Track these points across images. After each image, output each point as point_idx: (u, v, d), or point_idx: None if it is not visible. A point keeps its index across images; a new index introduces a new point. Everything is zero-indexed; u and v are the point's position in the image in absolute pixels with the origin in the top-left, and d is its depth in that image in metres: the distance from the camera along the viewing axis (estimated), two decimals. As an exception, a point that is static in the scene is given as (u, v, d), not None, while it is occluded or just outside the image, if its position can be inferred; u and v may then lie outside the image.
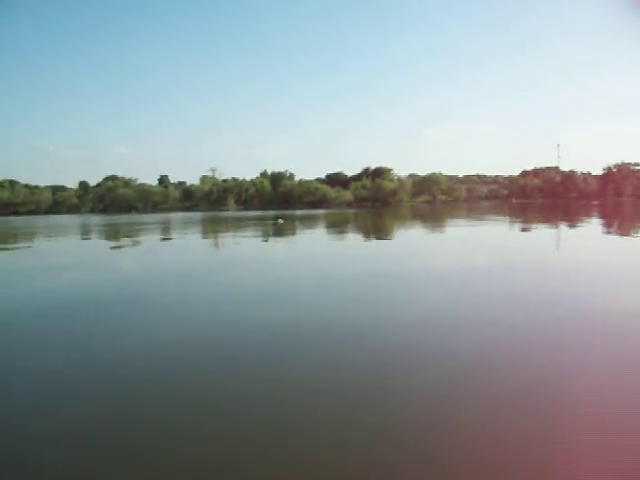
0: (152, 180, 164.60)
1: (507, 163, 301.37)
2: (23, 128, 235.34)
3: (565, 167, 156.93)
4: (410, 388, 6.89)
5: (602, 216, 58.58)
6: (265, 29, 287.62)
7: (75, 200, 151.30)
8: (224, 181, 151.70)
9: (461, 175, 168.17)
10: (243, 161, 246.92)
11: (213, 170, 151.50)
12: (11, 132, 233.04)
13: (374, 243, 30.71)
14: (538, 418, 5.88)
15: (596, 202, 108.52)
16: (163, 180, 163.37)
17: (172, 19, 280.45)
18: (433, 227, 45.75)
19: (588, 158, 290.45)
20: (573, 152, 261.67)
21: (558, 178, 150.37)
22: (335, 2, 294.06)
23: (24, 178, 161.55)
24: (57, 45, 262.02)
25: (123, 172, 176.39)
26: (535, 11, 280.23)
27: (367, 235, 37.75)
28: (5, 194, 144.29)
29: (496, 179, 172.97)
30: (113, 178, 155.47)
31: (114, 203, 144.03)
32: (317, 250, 26.51)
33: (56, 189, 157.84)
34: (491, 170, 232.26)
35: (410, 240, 33.23)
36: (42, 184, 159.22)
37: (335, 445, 5.41)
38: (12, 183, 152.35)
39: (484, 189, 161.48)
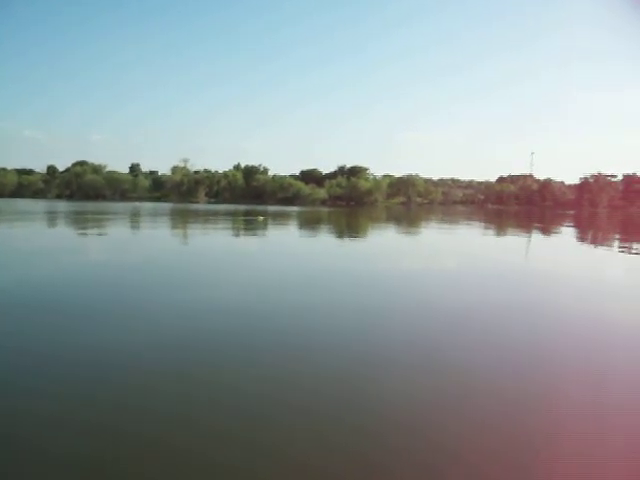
0: (125, 169, 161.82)
1: (480, 169, 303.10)
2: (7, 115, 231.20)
3: (538, 175, 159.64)
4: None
5: (577, 226, 58.66)
6: (250, 26, 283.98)
7: (41, 185, 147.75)
8: (196, 172, 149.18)
9: (435, 178, 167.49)
10: (218, 154, 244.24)
11: (185, 160, 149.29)
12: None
13: (358, 246, 31.55)
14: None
15: (571, 212, 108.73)
16: (134, 168, 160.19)
17: (162, 15, 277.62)
18: (414, 231, 46.72)
19: (560, 167, 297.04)
20: (545, 161, 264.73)
21: (535, 186, 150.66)
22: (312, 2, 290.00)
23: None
24: (51, 36, 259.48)
25: (99, 159, 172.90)
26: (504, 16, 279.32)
27: (351, 237, 38.53)
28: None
29: (470, 184, 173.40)
30: (82, 164, 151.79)
31: (81, 189, 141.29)
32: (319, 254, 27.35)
33: (23, 172, 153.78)
34: (465, 175, 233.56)
35: (395, 245, 33.93)
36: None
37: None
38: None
39: (459, 193, 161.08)
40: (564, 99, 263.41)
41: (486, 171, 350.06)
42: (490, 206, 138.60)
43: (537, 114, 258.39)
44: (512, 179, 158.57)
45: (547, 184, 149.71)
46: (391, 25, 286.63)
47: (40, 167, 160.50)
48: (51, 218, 51.97)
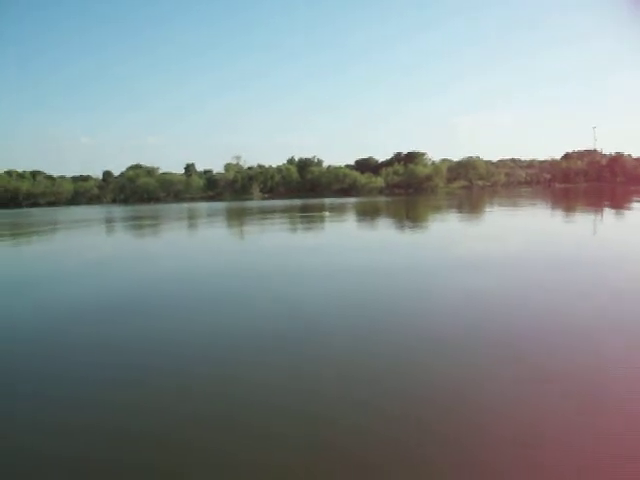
0: (180, 169, 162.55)
1: (540, 147, 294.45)
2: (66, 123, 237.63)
3: (603, 151, 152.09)
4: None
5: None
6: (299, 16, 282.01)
7: (96, 191, 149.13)
8: (249, 168, 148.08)
9: (495, 160, 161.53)
10: (271, 149, 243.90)
11: (237, 157, 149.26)
12: (46, 125, 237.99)
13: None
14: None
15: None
16: (189, 169, 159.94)
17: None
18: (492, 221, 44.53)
19: (626, 141, 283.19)
20: (609, 135, 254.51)
21: (604, 161, 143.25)
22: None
23: (57, 170, 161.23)
24: (80, 34, 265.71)
25: (154, 162, 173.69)
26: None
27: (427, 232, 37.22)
28: (25, 185, 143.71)
29: (532, 163, 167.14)
30: (136, 167, 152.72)
31: (135, 193, 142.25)
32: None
33: (80, 180, 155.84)
34: (525, 154, 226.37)
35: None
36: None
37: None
38: (35, 174, 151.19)
39: (522, 173, 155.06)
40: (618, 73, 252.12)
41: (546, 149, 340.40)
42: (557, 185, 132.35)
43: (593, 89, 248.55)
44: (579, 155, 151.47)
45: (617, 158, 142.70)
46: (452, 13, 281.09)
47: (97, 173, 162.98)
48: (96, 225, 51.26)
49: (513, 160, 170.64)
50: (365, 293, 14.13)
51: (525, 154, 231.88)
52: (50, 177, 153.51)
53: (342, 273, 17.47)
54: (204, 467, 5.66)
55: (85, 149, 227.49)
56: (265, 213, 58.17)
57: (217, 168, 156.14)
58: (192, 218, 58.74)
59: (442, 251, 22.66)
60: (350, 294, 14.07)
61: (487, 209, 55.25)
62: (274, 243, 29.28)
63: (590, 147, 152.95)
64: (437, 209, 56.74)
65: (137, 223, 52.93)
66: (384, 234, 32.25)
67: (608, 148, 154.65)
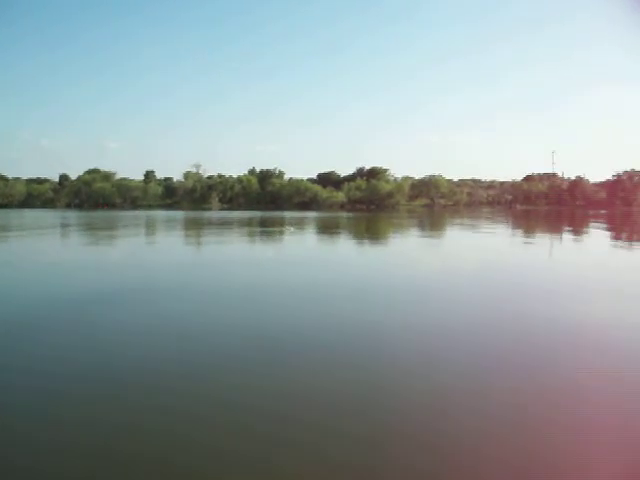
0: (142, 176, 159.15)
1: (500, 169, 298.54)
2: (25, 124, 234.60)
3: (561, 174, 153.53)
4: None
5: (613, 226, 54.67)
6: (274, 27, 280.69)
7: (50, 194, 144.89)
8: (209, 177, 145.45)
9: (456, 179, 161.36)
10: (232, 158, 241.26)
11: (197, 166, 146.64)
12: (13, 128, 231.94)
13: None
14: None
15: (603, 211, 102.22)
16: (148, 176, 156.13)
17: (174, 20, 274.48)
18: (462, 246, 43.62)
19: (583, 166, 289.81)
20: (566, 159, 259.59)
21: (565, 185, 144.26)
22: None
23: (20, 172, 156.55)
24: (65, 41, 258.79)
25: (116, 168, 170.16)
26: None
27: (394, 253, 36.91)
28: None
29: (492, 184, 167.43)
30: (94, 172, 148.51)
31: (90, 198, 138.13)
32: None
33: (37, 182, 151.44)
34: (485, 175, 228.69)
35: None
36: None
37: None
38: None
39: (484, 193, 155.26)
40: (586, 93, 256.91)
41: (505, 171, 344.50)
42: (518, 207, 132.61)
43: (555, 111, 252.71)
44: (540, 177, 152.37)
45: (578, 182, 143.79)
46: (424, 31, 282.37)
47: (56, 176, 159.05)
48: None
49: (474, 180, 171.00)
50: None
51: (485, 175, 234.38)
52: (3, 178, 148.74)
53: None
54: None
55: (45, 152, 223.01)
56: (223, 226, 55.89)
57: (178, 176, 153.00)
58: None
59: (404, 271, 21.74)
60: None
61: (448, 228, 54.48)
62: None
63: (549, 170, 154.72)
64: (401, 227, 55.83)
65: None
66: (354, 254, 30.99)
67: (567, 172, 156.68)
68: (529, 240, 41.17)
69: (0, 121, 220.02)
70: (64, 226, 56.71)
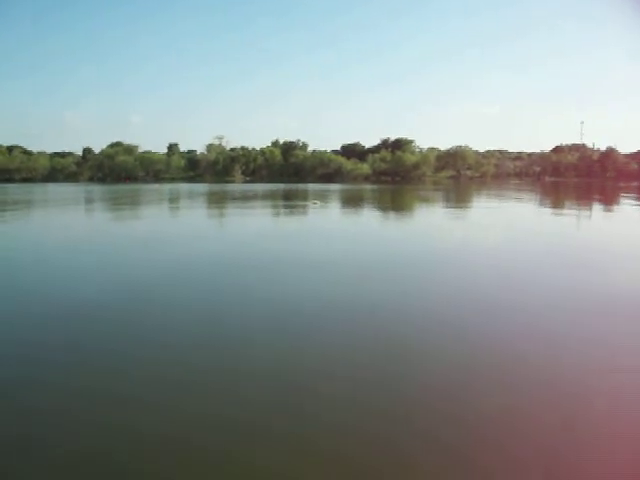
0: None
1: (527, 140, 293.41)
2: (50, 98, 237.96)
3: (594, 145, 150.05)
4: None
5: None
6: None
7: (74, 167, 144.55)
8: (232, 150, 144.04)
9: (482, 150, 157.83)
10: (253, 131, 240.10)
11: (220, 138, 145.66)
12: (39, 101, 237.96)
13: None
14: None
15: (635, 184, 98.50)
16: (172, 148, 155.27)
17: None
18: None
19: (612, 137, 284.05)
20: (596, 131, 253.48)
21: (595, 156, 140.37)
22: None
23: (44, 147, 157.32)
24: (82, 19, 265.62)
25: (141, 141, 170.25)
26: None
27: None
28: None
29: (519, 155, 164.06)
30: (117, 145, 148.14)
31: (113, 171, 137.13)
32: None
33: (58, 156, 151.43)
34: (511, 146, 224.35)
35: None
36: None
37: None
38: (11, 149, 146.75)
39: (511, 165, 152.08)
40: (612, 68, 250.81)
41: (533, 143, 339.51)
42: (547, 179, 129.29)
43: (583, 84, 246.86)
44: (569, 149, 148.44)
45: (609, 153, 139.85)
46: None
47: (80, 150, 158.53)
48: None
49: (500, 152, 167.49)
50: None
51: (513, 146, 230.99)
52: (27, 152, 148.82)
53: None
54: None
55: (69, 126, 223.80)
56: (246, 201, 54.43)
57: (202, 149, 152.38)
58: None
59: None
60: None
61: (477, 200, 52.78)
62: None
63: (577, 142, 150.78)
64: (430, 200, 54.21)
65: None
66: (384, 229, 29.71)
67: (597, 143, 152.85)
68: (559, 213, 39.32)
69: (24, 96, 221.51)
70: (89, 201, 56.36)
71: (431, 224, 31.09)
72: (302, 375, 7.93)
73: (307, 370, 8.12)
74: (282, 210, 41.88)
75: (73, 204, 49.99)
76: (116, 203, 51.48)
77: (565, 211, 40.99)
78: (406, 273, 15.43)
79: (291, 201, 52.90)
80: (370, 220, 33.73)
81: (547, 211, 41.07)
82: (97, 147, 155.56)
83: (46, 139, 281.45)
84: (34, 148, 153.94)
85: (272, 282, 14.16)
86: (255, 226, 29.92)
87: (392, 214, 38.78)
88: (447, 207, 44.67)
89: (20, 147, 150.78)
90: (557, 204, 49.03)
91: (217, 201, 54.57)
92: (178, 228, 29.95)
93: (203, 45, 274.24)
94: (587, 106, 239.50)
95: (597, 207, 46.44)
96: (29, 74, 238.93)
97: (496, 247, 21.23)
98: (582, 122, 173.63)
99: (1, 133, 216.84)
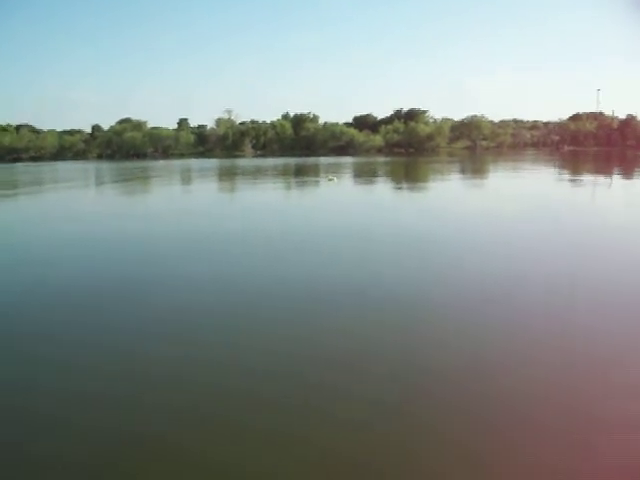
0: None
1: (542, 109, 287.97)
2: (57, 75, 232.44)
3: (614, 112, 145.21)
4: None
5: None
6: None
7: (82, 145, 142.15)
8: (241, 124, 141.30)
9: (496, 120, 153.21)
10: (262, 102, 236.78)
11: (229, 112, 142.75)
12: (42, 80, 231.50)
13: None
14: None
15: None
16: (182, 124, 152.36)
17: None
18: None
19: (629, 105, 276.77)
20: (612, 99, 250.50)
21: (615, 124, 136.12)
22: None
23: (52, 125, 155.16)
24: None
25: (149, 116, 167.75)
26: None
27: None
28: (7, 139, 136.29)
29: (535, 124, 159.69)
30: (126, 121, 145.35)
31: (122, 148, 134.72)
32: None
33: (66, 134, 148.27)
34: (526, 115, 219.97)
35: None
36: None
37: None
38: (19, 127, 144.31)
39: (527, 135, 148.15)
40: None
41: (549, 111, 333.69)
42: (566, 148, 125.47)
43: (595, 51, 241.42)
44: (588, 117, 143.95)
45: (629, 121, 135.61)
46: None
47: (89, 128, 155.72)
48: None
49: (515, 121, 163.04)
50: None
51: (527, 115, 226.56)
52: (35, 131, 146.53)
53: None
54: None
55: (77, 103, 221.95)
56: (256, 177, 52.00)
57: (212, 124, 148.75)
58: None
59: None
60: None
61: (499, 173, 50.64)
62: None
63: (594, 110, 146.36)
64: (452, 172, 51.64)
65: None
66: (405, 205, 29.00)
67: (616, 111, 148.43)
68: (585, 186, 37.17)
69: (30, 73, 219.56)
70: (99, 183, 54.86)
71: (457, 202, 29.85)
72: (322, 342, 8.60)
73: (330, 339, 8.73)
74: (297, 189, 39.32)
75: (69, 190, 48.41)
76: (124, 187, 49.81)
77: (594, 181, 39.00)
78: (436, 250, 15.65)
79: (305, 177, 50.70)
80: (394, 200, 32.15)
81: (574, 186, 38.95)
82: (107, 125, 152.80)
83: (56, 117, 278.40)
84: (43, 127, 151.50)
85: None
86: (271, 211, 28.39)
87: (413, 192, 36.75)
88: (467, 181, 42.64)
89: (29, 126, 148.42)
90: (586, 177, 46.95)
91: (229, 180, 52.41)
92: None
93: (213, 17, 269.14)
94: (602, 72, 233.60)
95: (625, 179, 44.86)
96: (32, 51, 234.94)
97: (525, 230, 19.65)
98: (599, 90, 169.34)
99: (8, 112, 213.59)
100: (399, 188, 37.47)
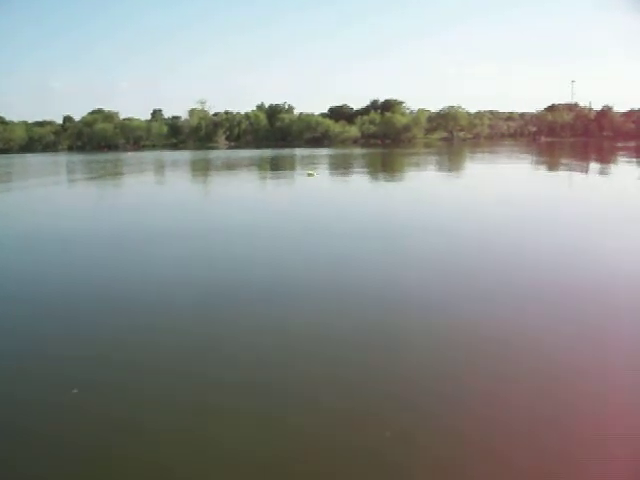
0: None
1: (517, 101, 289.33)
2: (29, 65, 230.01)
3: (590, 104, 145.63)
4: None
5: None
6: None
7: (52, 137, 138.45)
8: (215, 115, 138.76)
9: (472, 111, 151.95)
10: (236, 92, 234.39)
11: (202, 102, 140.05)
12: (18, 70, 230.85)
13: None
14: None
15: (633, 143, 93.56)
16: (155, 114, 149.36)
17: None
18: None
19: (603, 96, 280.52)
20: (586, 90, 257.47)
21: (592, 115, 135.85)
22: None
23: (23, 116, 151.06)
24: None
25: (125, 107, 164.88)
26: None
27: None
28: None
29: (511, 115, 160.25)
30: (98, 112, 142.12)
31: (93, 140, 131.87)
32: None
33: (36, 125, 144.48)
34: (503, 106, 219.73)
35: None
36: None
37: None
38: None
39: (504, 125, 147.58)
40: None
41: (524, 103, 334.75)
42: (543, 139, 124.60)
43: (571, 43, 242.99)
44: (564, 108, 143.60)
45: (605, 112, 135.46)
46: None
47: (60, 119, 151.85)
48: None
49: (491, 112, 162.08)
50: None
51: (502, 106, 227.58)
52: (3, 122, 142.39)
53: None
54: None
55: (50, 93, 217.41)
56: (229, 171, 49.80)
57: (186, 115, 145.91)
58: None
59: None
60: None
61: (477, 164, 49.49)
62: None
63: (569, 101, 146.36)
64: (431, 164, 50.23)
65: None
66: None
67: (592, 102, 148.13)
68: (561, 175, 37.88)
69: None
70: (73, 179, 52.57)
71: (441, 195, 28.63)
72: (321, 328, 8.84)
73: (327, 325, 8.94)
74: (275, 188, 36.66)
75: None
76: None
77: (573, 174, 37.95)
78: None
79: (281, 170, 48.65)
80: (384, 197, 30.24)
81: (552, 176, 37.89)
82: (79, 115, 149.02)
83: (25, 108, 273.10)
84: (14, 118, 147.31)
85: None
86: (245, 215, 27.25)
87: (397, 188, 35.51)
88: (444, 173, 41.40)
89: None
90: (561, 167, 46.70)
91: (200, 175, 50.27)
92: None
93: (188, 7, 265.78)
94: (579, 64, 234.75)
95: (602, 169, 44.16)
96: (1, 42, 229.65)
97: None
98: (573, 81, 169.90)
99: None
100: (383, 182, 36.84)
